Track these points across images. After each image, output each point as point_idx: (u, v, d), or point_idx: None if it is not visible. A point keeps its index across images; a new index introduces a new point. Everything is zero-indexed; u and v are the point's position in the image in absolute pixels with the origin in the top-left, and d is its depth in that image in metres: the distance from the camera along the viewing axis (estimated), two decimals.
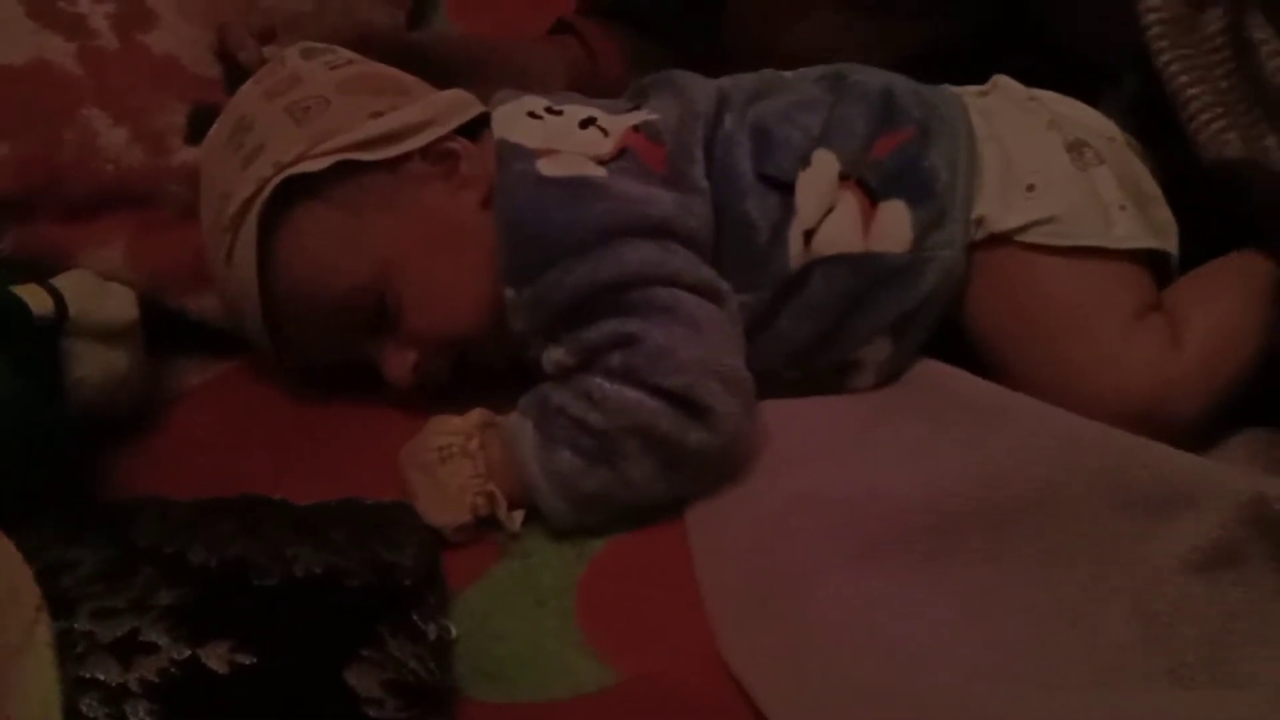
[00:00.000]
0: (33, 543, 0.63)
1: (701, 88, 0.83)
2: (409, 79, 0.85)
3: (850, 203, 0.79)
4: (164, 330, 0.86)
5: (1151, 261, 0.80)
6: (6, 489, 0.68)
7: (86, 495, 0.77)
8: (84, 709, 0.55)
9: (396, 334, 0.81)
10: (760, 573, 0.71)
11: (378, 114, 0.80)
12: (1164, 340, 0.76)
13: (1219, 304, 0.77)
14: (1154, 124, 0.81)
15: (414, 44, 0.97)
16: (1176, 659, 0.64)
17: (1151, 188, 0.81)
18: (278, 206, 0.79)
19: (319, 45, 0.85)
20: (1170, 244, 0.80)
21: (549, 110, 0.83)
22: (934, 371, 0.80)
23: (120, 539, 0.66)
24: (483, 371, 0.83)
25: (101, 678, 0.57)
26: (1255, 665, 0.63)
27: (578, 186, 0.78)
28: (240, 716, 0.57)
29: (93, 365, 0.78)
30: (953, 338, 0.81)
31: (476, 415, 0.78)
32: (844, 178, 0.79)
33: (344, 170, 0.79)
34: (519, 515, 0.75)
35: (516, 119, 0.82)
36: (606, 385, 0.74)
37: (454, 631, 0.67)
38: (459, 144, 0.82)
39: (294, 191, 0.79)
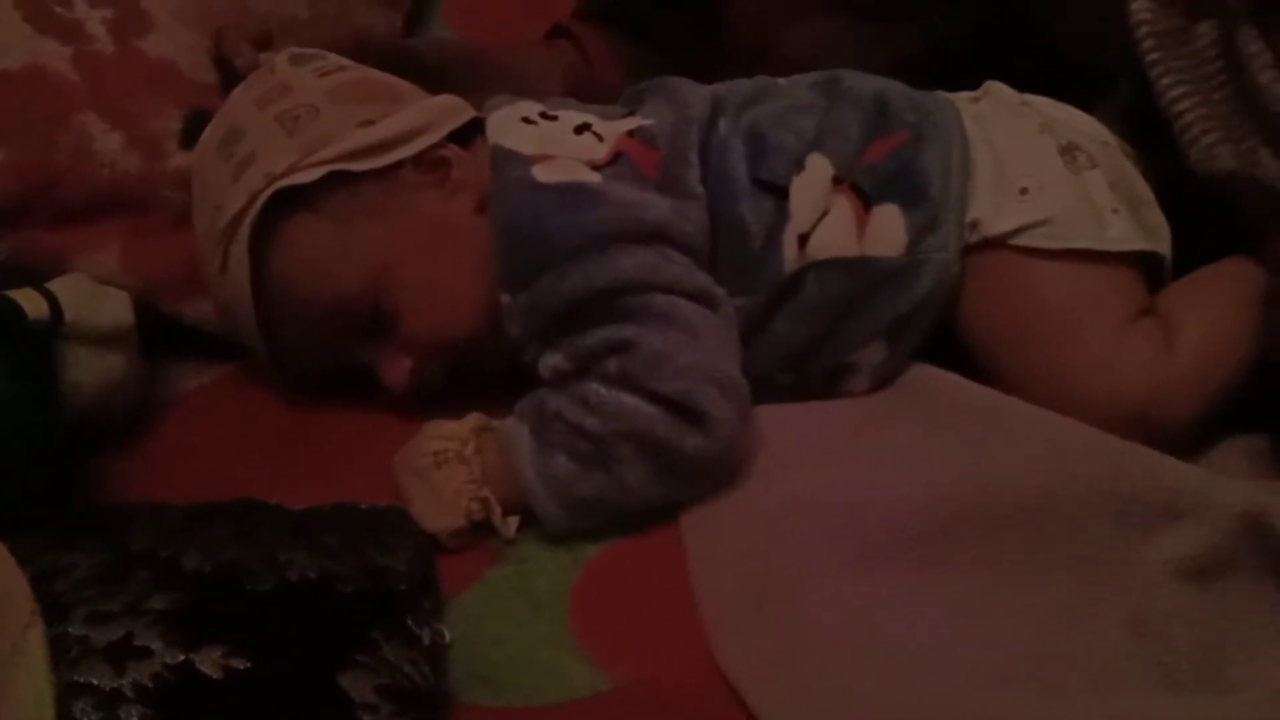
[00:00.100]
0: (27, 547, 0.63)
1: (696, 93, 0.84)
2: (400, 84, 0.85)
3: (844, 207, 0.79)
4: (159, 335, 0.86)
5: (1144, 265, 0.80)
6: (1, 493, 0.68)
7: (81, 499, 0.77)
8: (77, 714, 0.55)
9: (392, 340, 0.81)
10: (755, 577, 0.71)
11: (368, 122, 0.81)
12: (1157, 344, 0.76)
13: (1211, 309, 0.77)
14: (1149, 130, 0.82)
15: (409, 49, 0.97)
16: (1169, 664, 0.64)
17: (1144, 192, 0.82)
18: (270, 218, 0.79)
19: (308, 51, 0.85)
20: (1163, 247, 0.80)
21: (544, 115, 0.83)
22: (928, 375, 0.80)
23: (114, 543, 0.66)
24: (478, 376, 0.83)
25: (95, 682, 0.56)
26: (1247, 670, 0.63)
27: (573, 192, 0.78)
28: None
29: (88, 369, 0.78)
30: (946, 342, 0.81)
31: (472, 420, 0.78)
32: (838, 182, 0.80)
33: (335, 180, 0.79)
34: (514, 521, 0.75)
35: (511, 124, 0.82)
36: (603, 391, 0.74)
37: (448, 636, 0.66)
38: (450, 151, 0.82)
39: (286, 203, 0.79)
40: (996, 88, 0.86)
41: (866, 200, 0.79)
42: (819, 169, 0.80)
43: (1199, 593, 0.66)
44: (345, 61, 0.85)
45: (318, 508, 0.72)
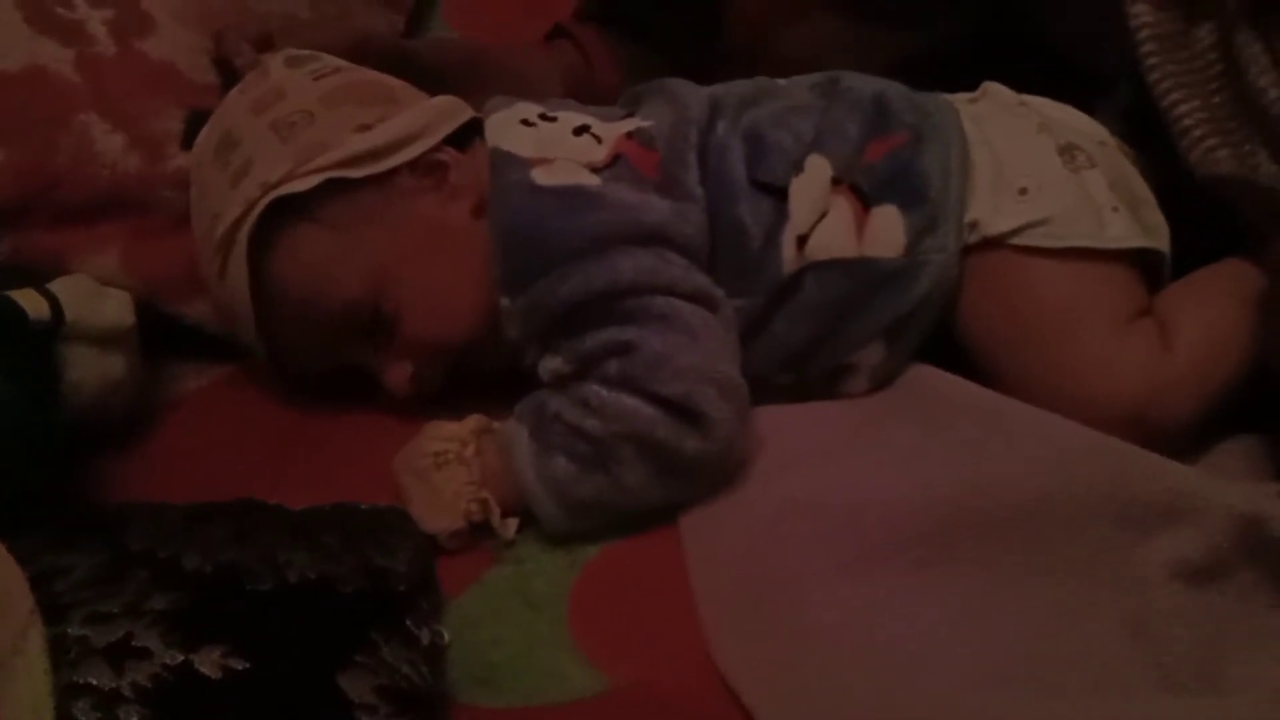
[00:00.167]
0: (27, 547, 0.62)
1: (694, 94, 0.84)
2: (396, 85, 0.85)
3: (843, 208, 0.79)
4: (160, 335, 0.86)
5: (1143, 265, 0.80)
6: (1, 493, 0.68)
7: (81, 500, 0.77)
8: (77, 714, 0.55)
9: (393, 344, 0.81)
10: (754, 578, 0.71)
11: (364, 127, 0.80)
12: (1155, 344, 0.76)
13: (1210, 310, 0.77)
14: (1148, 131, 0.82)
15: (410, 50, 0.97)
16: (1167, 665, 0.64)
17: (1143, 191, 0.82)
18: (268, 226, 0.79)
19: (303, 53, 0.85)
20: (1163, 245, 0.80)
21: (542, 117, 0.83)
22: (927, 376, 0.80)
23: (114, 544, 0.66)
24: (478, 378, 0.83)
25: (94, 683, 0.56)
26: (1245, 672, 0.63)
27: (572, 195, 0.78)
28: None
29: (88, 370, 0.78)
30: (945, 343, 0.81)
31: (473, 421, 0.78)
32: (837, 183, 0.80)
33: (332, 188, 0.79)
34: (513, 523, 0.75)
35: (509, 127, 0.82)
36: (604, 392, 0.74)
37: (447, 637, 0.66)
38: (448, 154, 0.82)
39: (283, 211, 0.79)
40: (994, 88, 0.86)
41: (866, 201, 0.79)
42: (818, 170, 0.79)
43: (1198, 594, 0.66)
44: (341, 63, 0.85)
45: (317, 508, 0.72)
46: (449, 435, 0.77)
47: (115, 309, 0.81)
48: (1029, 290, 0.78)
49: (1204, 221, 0.79)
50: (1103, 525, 0.69)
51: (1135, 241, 0.79)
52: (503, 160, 0.80)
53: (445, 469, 0.76)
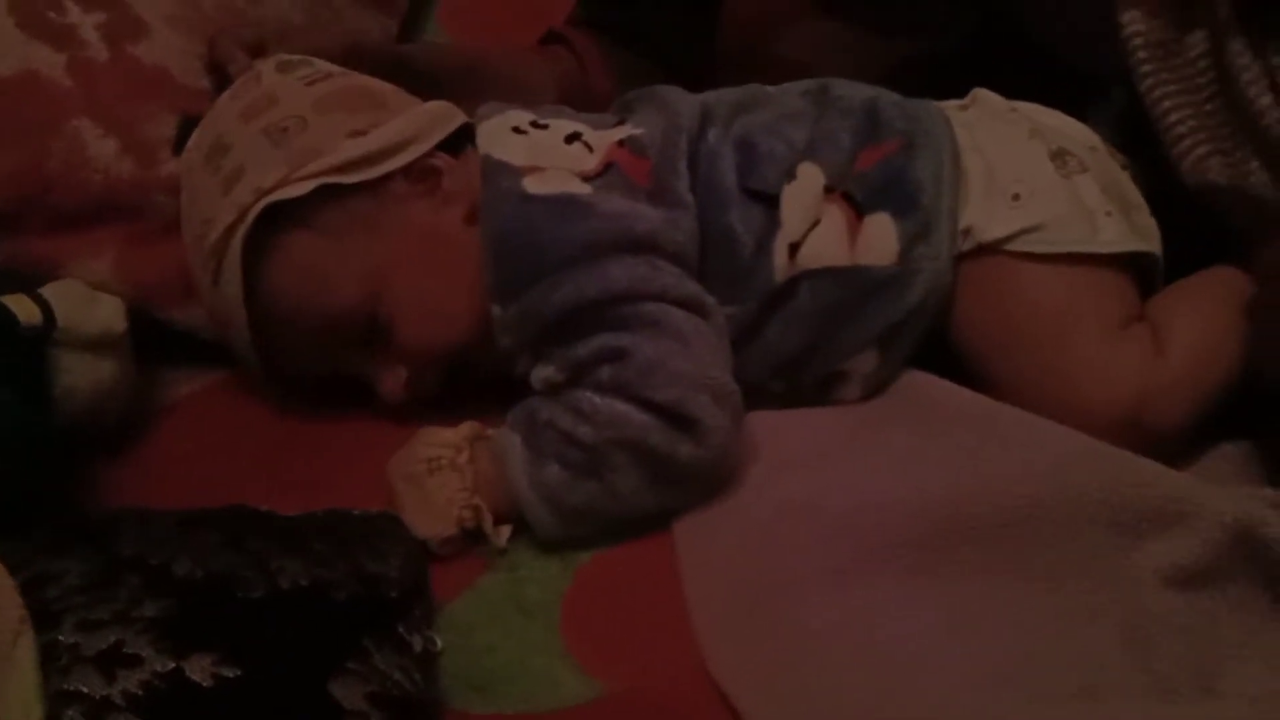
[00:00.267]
0: (17, 554, 0.62)
1: (685, 102, 0.84)
2: (388, 90, 0.84)
3: (836, 216, 0.79)
4: (152, 341, 0.86)
5: (1136, 270, 0.80)
6: None
7: (73, 506, 0.77)
8: None
9: (387, 350, 0.81)
10: (747, 583, 0.71)
11: (357, 133, 0.80)
12: (1148, 350, 0.77)
13: (1202, 315, 0.77)
14: (1140, 137, 0.82)
15: (404, 55, 0.97)
16: (1160, 671, 0.64)
17: (1135, 196, 0.82)
18: (261, 232, 0.78)
19: (295, 58, 0.85)
20: (1155, 248, 0.80)
21: (534, 124, 0.83)
22: (920, 383, 0.80)
23: (105, 550, 0.66)
24: (473, 384, 0.83)
25: (85, 690, 0.56)
26: (1237, 678, 0.63)
27: (564, 204, 0.78)
28: None
29: (81, 375, 0.78)
30: (938, 350, 0.81)
31: (466, 428, 0.78)
32: (829, 190, 0.80)
33: (325, 194, 0.79)
34: (505, 530, 0.75)
35: (501, 134, 0.82)
36: (596, 399, 0.74)
37: (439, 644, 0.66)
38: (440, 160, 0.82)
39: (276, 217, 0.78)
40: (984, 95, 0.86)
41: (858, 209, 0.79)
42: (810, 178, 0.80)
43: (1190, 600, 0.67)
44: (333, 68, 0.85)
45: (309, 514, 0.72)
46: (442, 441, 0.77)
47: (107, 314, 0.81)
48: (1023, 296, 0.78)
49: (1195, 228, 0.80)
50: (1096, 530, 0.69)
51: (1128, 245, 0.79)
52: (494, 169, 0.80)
53: (438, 475, 0.75)
